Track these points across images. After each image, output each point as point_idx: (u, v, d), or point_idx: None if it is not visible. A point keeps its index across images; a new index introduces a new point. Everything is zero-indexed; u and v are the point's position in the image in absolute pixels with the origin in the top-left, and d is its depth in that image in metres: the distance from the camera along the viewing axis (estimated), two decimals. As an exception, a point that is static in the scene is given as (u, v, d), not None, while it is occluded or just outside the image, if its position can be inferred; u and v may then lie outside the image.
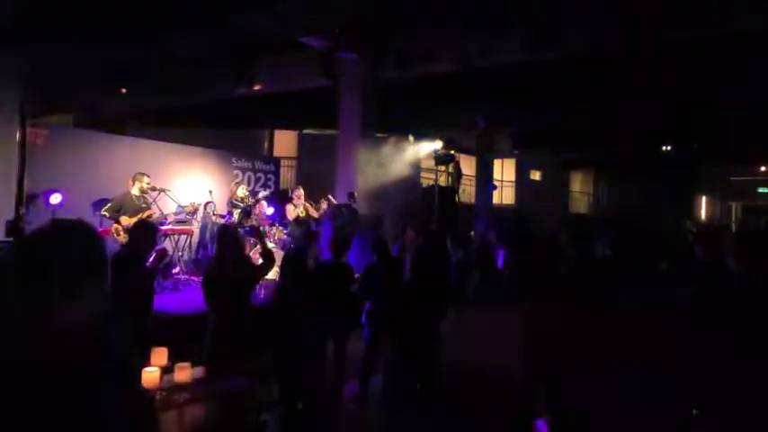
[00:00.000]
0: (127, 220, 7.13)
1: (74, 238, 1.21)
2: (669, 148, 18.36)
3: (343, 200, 10.14)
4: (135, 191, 7.49)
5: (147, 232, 4.30)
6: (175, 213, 8.43)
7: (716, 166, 22.93)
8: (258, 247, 4.80)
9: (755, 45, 8.36)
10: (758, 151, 19.45)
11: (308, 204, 9.19)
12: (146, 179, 7.59)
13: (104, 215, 7.24)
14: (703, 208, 26.17)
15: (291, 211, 9.09)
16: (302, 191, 9.21)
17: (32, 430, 1.06)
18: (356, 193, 10.13)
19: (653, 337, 2.67)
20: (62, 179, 8.14)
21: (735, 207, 23.49)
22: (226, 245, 4.16)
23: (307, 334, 3.97)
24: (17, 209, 5.75)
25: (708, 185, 25.09)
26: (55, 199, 7.79)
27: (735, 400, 2.50)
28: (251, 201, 9.07)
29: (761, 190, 23.42)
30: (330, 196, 9.95)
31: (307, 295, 4.05)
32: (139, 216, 7.20)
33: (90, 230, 1.27)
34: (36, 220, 6.81)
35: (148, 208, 7.58)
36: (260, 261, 4.68)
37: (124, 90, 13.69)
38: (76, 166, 8.79)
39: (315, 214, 9.25)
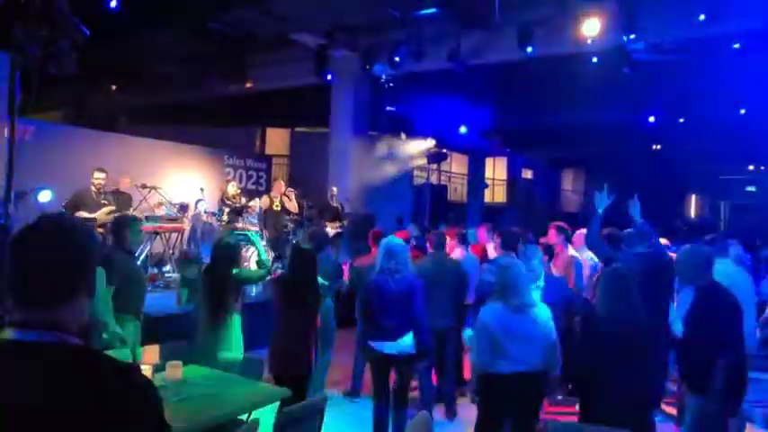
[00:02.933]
0: (86, 216, 7.01)
1: (69, 234, 1.18)
2: (659, 146, 18.52)
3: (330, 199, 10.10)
4: (92, 186, 7.26)
5: (130, 227, 4.24)
6: (148, 217, 8.19)
7: (705, 165, 23.12)
8: (254, 253, 4.78)
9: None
10: (747, 150, 19.64)
11: (285, 198, 9.13)
12: (96, 174, 7.25)
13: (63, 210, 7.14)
14: (693, 206, 26.40)
15: (265, 202, 9.06)
16: (282, 183, 9.24)
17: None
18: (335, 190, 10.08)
19: None
20: (52, 176, 8.06)
21: (724, 206, 23.69)
22: (224, 258, 4.15)
23: (301, 331, 3.97)
24: (5, 206, 5.69)
25: (697, 184, 25.31)
26: (44, 196, 7.70)
27: None
28: (243, 200, 9.03)
29: (749, 189, 23.65)
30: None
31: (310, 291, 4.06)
32: (99, 212, 7.07)
33: (83, 226, 1.25)
34: (24, 218, 6.73)
35: (110, 204, 7.31)
36: (255, 267, 4.68)
37: (114, 87, 13.63)
38: (66, 163, 8.71)
39: (293, 208, 9.20)
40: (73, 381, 1.06)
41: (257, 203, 9.47)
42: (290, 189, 9.16)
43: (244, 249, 6.73)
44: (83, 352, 1.13)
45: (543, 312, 3.41)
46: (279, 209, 8.93)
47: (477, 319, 3.42)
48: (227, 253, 4.19)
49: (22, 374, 1.05)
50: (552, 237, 5.68)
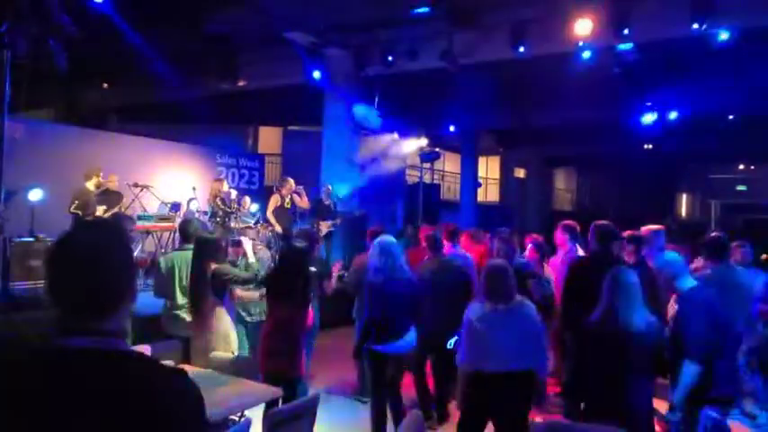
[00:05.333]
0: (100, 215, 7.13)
1: (113, 241, 1.19)
2: (651, 146, 18.62)
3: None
4: (91, 186, 7.38)
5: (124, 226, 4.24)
6: (140, 217, 8.21)
7: (696, 164, 23.30)
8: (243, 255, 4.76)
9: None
10: (737, 150, 19.82)
11: (295, 196, 9.17)
12: (98, 174, 7.41)
13: (77, 213, 7.15)
14: (684, 205, 26.58)
15: (275, 202, 9.06)
16: (292, 181, 9.24)
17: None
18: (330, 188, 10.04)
19: None
20: (42, 175, 8.01)
21: (714, 205, 23.89)
22: (203, 251, 4.13)
23: (290, 331, 3.96)
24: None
25: (688, 183, 25.50)
26: (35, 195, 7.65)
27: None
28: (234, 197, 9.01)
29: (740, 188, 23.84)
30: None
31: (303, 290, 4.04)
32: (98, 212, 7.17)
33: (124, 231, 1.27)
34: (15, 216, 6.69)
35: (103, 203, 7.42)
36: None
37: (106, 85, 13.54)
38: (57, 161, 8.66)
39: (304, 205, 9.27)
40: (130, 385, 1.07)
41: (248, 202, 9.47)
42: (299, 186, 9.20)
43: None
44: (137, 357, 1.15)
45: (531, 311, 3.39)
46: (288, 207, 9.03)
47: (465, 318, 3.41)
48: (205, 248, 4.17)
49: (79, 381, 1.06)
50: (558, 236, 5.52)
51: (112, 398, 1.05)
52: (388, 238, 4.23)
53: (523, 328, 3.30)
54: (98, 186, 7.44)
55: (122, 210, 7.77)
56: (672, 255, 3.75)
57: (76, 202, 7.22)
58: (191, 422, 1.13)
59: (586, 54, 8.87)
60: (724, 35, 8.09)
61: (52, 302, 1.13)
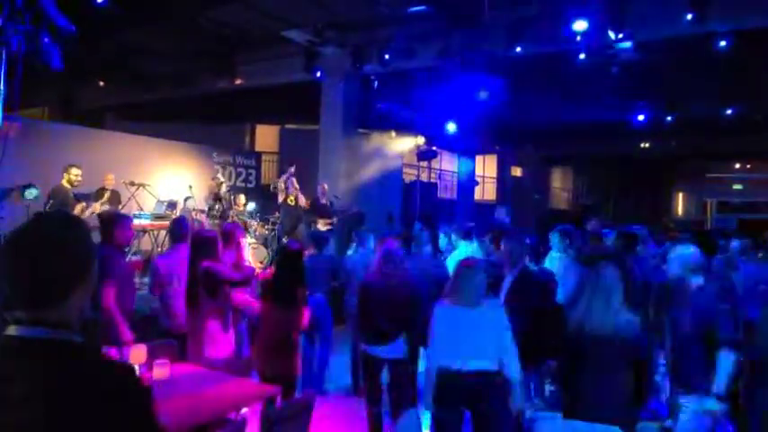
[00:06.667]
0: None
1: (65, 231, 1.17)
2: (647, 144, 18.66)
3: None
4: (65, 183, 7.34)
5: (122, 224, 4.21)
6: (136, 215, 8.19)
7: (692, 163, 23.35)
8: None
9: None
10: (733, 148, 19.87)
11: (300, 195, 9.31)
12: (74, 171, 7.36)
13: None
14: (680, 204, 26.61)
15: (281, 196, 9.25)
16: (290, 170, 9.41)
17: None
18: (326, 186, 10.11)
19: None
20: (38, 174, 7.97)
21: (710, 203, 23.94)
22: (198, 249, 4.11)
23: (284, 331, 3.95)
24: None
25: (684, 182, 25.54)
26: (30, 194, 7.62)
27: None
28: (228, 195, 9.05)
29: (736, 186, 23.88)
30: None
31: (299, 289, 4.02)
32: (76, 209, 7.18)
33: (80, 222, 1.25)
34: (10, 216, 6.67)
35: (79, 202, 7.42)
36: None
37: (102, 83, 13.49)
38: (53, 160, 8.61)
39: (304, 204, 9.35)
40: (72, 378, 1.07)
41: (242, 200, 9.48)
42: (296, 186, 9.37)
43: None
44: (83, 350, 1.14)
45: (495, 309, 3.33)
46: (293, 204, 9.12)
47: (432, 317, 3.34)
48: (200, 246, 4.15)
49: (24, 370, 1.07)
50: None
51: (55, 389, 1.05)
52: (394, 244, 4.21)
53: (490, 327, 3.23)
54: (71, 183, 7.40)
55: (120, 208, 7.75)
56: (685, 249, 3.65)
57: (51, 201, 7.19)
58: (138, 417, 1.12)
59: (583, 55, 8.88)
60: (723, 42, 8.13)
61: (3, 294, 1.12)
